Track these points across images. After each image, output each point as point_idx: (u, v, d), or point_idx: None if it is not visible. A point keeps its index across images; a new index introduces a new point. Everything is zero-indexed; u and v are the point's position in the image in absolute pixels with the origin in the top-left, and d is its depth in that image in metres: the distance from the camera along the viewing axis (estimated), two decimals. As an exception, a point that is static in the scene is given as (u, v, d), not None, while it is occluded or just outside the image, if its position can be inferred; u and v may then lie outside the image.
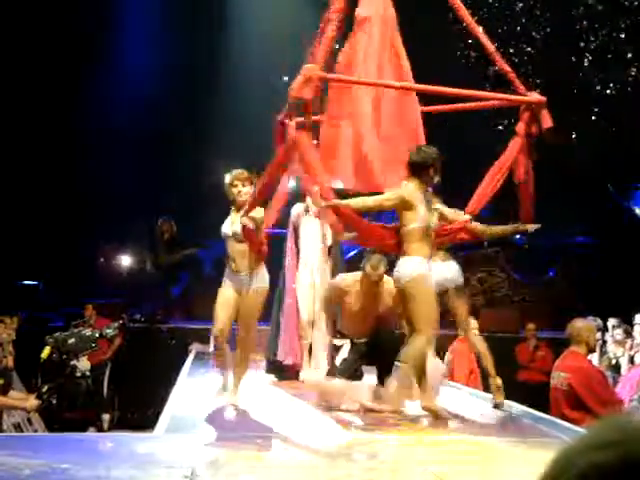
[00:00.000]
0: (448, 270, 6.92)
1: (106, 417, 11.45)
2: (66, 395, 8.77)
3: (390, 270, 6.97)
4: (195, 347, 11.68)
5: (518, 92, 7.01)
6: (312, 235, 7.84)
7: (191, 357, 10.33)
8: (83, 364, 9.24)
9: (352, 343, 7.20)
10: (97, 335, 8.52)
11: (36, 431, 8.69)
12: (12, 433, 7.53)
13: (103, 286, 15.42)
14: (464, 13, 7.08)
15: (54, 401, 7.81)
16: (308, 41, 7.10)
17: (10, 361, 9.69)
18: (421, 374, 6.11)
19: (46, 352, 8.37)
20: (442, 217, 6.50)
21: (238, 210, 6.47)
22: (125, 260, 16.39)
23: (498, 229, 7.16)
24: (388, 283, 7.03)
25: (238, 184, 6.51)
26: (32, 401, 7.64)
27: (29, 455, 4.41)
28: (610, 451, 0.84)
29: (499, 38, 15.87)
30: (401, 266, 6.07)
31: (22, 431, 8.25)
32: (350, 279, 7.17)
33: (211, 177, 17.84)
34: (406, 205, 6.04)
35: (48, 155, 15.65)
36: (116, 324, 9.30)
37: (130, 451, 4.64)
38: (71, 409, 9.15)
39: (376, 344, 6.85)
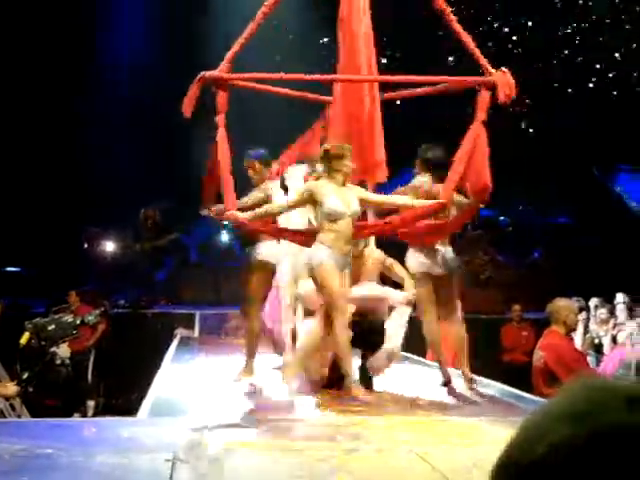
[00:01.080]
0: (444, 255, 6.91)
1: (91, 403, 11.44)
2: (46, 382, 8.74)
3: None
4: (180, 332, 11.68)
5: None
6: (295, 217, 7.76)
7: (176, 342, 10.33)
8: (63, 351, 9.20)
9: None
10: (78, 322, 8.45)
11: (19, 417, 8.65)
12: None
13: (87, 272, 15.38)
14: None
15: (31, 389, 7.77)
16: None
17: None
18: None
19: (25, 338, 8.30)
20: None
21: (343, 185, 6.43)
22: (109, 246, 16.31)
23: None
24: (374, 254, 7.14)
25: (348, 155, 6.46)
26: (12, 387, 7.59)
27: (11, 441, 4.39)
28: (580, 423, 0.83)
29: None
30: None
31: (4, 417, 8.21)
32: None
33: (197, 164, 17.88)
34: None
35: (33, 137, 15.58)
36: (98, 311, 9.24)
37: (113, 436, 4.63)
38: (51, 396, 9.12)
39: (363, 328, 6.80)
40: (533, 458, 0.84)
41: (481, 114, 6.79)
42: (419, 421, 5.31)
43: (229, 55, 7.04)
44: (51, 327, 8.43)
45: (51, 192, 15.58)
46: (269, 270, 6.90)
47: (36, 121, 15.65)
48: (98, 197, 15.79)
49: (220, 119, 6.83)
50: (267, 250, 6.87)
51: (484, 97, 6.81)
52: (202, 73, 6.90)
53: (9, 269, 15.31)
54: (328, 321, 6.21)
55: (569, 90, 18.57)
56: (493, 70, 6.87)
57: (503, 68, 6.88)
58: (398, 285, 7.17)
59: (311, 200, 6.30)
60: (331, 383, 6.65)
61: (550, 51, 18.48)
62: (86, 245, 16.32)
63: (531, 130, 18.42)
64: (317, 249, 6.21)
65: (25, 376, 7.72)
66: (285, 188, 7.06)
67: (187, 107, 6.95)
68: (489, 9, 18.31)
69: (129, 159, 15.82)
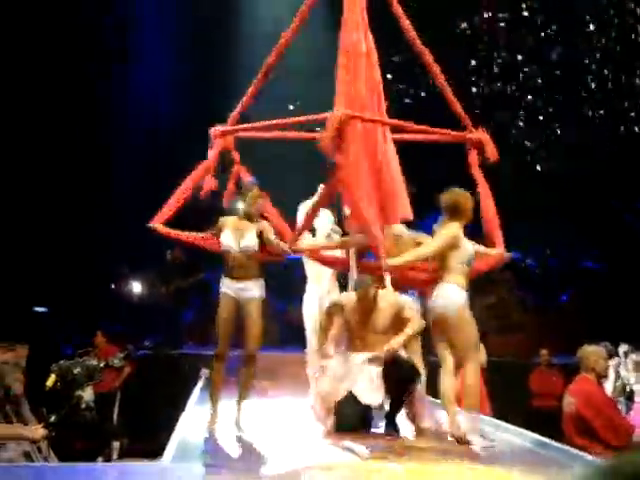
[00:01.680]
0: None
1: (116, 445, 11.40)
2: (71, 426, 8.71)
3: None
4: (206, 373, 11.64)
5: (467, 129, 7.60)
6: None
7: (201, 383, 10.28)
8: (88, 395, 9.18)
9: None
10: (102, 365, 8.46)
11: (46, 459, 8.63)
12: (21, 462, 7.45)
13: (114, 312, 15.43)
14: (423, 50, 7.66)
15: (53, 433, 7.73)
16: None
17: (19, 388, 9.66)
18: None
19: (51, 380, 8.31)
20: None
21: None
22: (136, 286, 16.38)
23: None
24: (387, 297, 7.08)
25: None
26: (40, 430, 7.56)
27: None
28: None
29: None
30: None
31: (32, 460, 8.19)
32: (350, 295, 7.16)
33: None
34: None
35: (61, 177, 15.70)
36: (122, 355, 9.25)
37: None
38: (76, 439, 9.09)
39: (391, 373, 6.73)
40: None
41: (478, 175, 7.44)
42: (446, 470, 5.23)
43: (234, 114, 8.04)
44: (77, 370, 8.43)
45: (78, 232, 15.67)
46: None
47: (66, 166, 15.79)
48: (125, 237, 15.86)
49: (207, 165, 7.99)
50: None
51: (473, 156, 7.25)
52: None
53: (37, 309, 15.37)
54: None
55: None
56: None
57: (481, 129, 7.32)
58: None
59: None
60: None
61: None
62: (113, 286, 16.41)
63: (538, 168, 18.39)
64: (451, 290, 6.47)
65: (52, 419, 7.70)
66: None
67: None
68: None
69: (156, 199, 15.90)
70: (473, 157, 7.52)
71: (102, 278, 16.37)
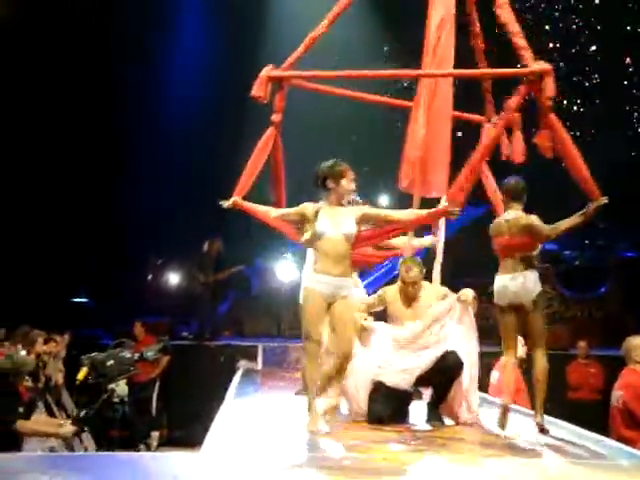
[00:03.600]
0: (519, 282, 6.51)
1: (155, 435, 11.51)
2: (102, 420, 8.72)
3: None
4: (243, 364, 11.71)
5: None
6: None
7: (239, 374, 10.35)
8: (121, 389, 9.13)
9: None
10: (137, 358, 8.45)
11: (86, 449, 8.74)
12: (62, 451, 7.55)
13: (152, 303, 15.55)
14: None
15: (86, 428, 7.77)
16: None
17: (60, 378, 9.79)
18: None
19: (82, 373, 8.27)
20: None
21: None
22: (174, 278, 16.48)
23: (565, 223, 6.46)
24: (432, 288, 7.10)
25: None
26: (68, 427, 7.61)
27: (78, 476, 4.43)
28: None
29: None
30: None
31: (72, 449, 8.29)
32: (394, 287, 7.12)
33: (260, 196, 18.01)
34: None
35: (99, 172, 15.83)
36: (158, 346, 9.22)
37: (175, 473, 4.63)
38: (112, 431, 9.12)
39: (434, 362, 6.70)
40: None
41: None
42: (488, 462, 5.22)
43: (292, 58, 7.29)
44: (109, 363, 8.39)
45: (116, 224, 15.80)
46: None
47: (102, 156, 15.91)
48: (161, 228, 15.96)
49: (275, 118, 6.92)
50: None
51: (524, 89, 6.73)
52: (264, 72, 7.05)
53: (76, 300, 15.53)
54: None
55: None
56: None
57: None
58: None
59: None
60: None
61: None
62: (150, 277, 16.53)
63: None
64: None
65: (82, 414, 7.75)
66: None
67: (258, 90, 7.12)
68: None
69: (193, 189, 16.00)
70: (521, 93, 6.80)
71: (140, 269, 16.50)
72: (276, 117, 6.97)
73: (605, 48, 18.08)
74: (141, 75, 15.90)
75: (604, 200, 6.43)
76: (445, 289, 7.16)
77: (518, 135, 7.31)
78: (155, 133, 15.97)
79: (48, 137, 15.51)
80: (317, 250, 6.17)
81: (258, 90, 6.94)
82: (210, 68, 16.39)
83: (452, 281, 7.88)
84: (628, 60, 18.23)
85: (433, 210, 6.61)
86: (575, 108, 18.21)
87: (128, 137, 16.05)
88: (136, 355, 8.55)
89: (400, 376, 6.70)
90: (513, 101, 6.78)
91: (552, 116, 6.63)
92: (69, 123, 15.66)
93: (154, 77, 16.27)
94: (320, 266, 6.11)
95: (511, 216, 6.47)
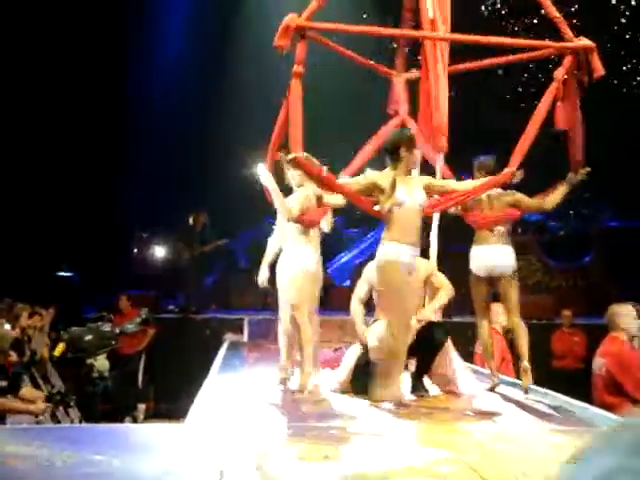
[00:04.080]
0: (500, 254, 6.81)
1: (142, 407, 11.53)
2: (85, 395, 8.67)
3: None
4: (229, 337, 11.73)
5: (564, 39, 6.89)
6: None
7: (225, 347, 10.36)
8: (100, 364, 9.08)
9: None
10: (117, 332, 8.40)
11: (72, 421, 8.75)
12: (48, 424, 7.55)
13: (138, 277, 15.54)
14: None
15: (61, 406, 7.70)
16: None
17: (45, 352, 9.78)
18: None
19: (59, 349, 8.20)
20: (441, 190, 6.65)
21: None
22: (159, 251, 16.46)
23: (555, 196, 6.81)
24: (420, 263, 7.03)
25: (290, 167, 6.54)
26: (39, 405, 7.55)
27: (62, 447, 4.43)
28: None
29: None
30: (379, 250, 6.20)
31: (58, 421, 8.30)
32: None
33: (244, 169, 17.99)
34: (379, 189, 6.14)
35: (83, 144, 15.74)
36: (138, 319, 9.20)
37: (159, 443, 4.64)
38: (89, 412, 9.10)
39: (419, 333, 6.70)
40: None
41: (575, 92, 6.79)
42: (469, 430, 5.25)
43: (311, 8, 6.83)
44: (88, 337, 8.34)
45: (100, 198, 15.74)
46: None
47: (87, 129, 15.82)
48: (146, 202, 15.91)
49: (297, 70, 6.74)
50: None
51: (570, 62, 6.74)
52: (288, 20, 6.75)
53: (61, 274, 15.49)
54: None
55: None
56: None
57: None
58: None
59: None
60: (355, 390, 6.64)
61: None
62: (136, 250, 16.50)
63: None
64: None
65: (55, 392, 7.67)
66: None
67: (280, 39, 6.65)
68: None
69: (177, 162, 15.95)
70: (574, 70, 6.80)
71: (124, 243, 16.46)
72: (298, 68, 6.76)
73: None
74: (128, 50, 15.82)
75: (585, 171, 6.84)
76: (433, 268, 7.13)
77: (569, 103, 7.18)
78: (140, 108, 15.86)
79: (31, 110, 15.39)
80: (396, 220, 6.07)
81: (280, 39, 6.70)
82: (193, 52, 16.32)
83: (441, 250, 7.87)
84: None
85: (493, 178, 6.64)
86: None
87: (113, 111, 15.95)
88: (116, 329, 8.49)
89: None
90: (560, 72, 6.81)
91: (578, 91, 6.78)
92: (51, 97, 15.54)
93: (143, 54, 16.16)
94: (400, 236, 6.04)
95: (492, 191, 6.64)
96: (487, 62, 8.00)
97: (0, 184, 14.93)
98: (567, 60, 6.79)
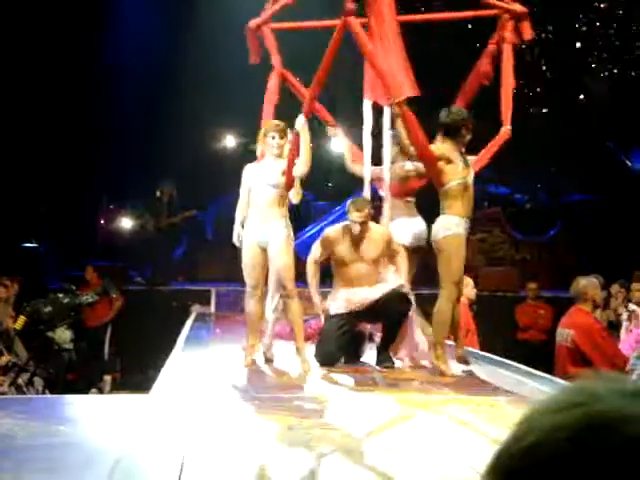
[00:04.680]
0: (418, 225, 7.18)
1: (108, 378, 11.48)
2: (47, 368, 8.60)
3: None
4: (196, 308, 11.71)
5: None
6: None
7: (192, 318, 10.35)
8: (61, 335, 9.02)
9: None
10: (76, 302, 8.33)
11: (37, 392, 8.71)
12: (12, 395, 7.52)
13: (105, 248, 15.45)
14: None
15: (23, 377, 7.66)
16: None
17: (10, 323, 9.71)
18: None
19: (20, 322, 8.13)
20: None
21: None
22: (126, 222, 16.35)
23: (488, 155, 7.11)
24: (378, 229, 7.04)
25: (276, 135, 6.58)
26: None
27: (25, 417, 4.41)
28: (571, 412, 0.79)
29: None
30: (437, 223, 6.45)
31: (23, 392, 8.27)
32: (338, 228, 7.06)
33: (214, 141, 17.89)
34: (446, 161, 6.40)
35: (52, 115, 15.56)
36: (96, 290, 9.11)
37: (125, 414, 4.64)
38: (53, 383, 9.06)
39: (384, 304, 6.70)
40: (515, 454, 0.80)
41: (509, 51, 7.21)
42: (436, 400, 5.30)
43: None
44: (47, 309, 8.26)
45: (66, 168, 15.59)
46: None
47: (52, 98, 15.64)
48: (113, 173, 15.79)
49: (275, 60, 7.17)
50: None
51: (508, 24, 7.21)
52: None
53: (26, 245, 15.35)
54: None
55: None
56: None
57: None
58: None
59: None
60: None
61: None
62: (103, 221, 16.39)
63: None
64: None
65: (13, 362, 7.63)
66: None
67: (253, 55, 7.48)
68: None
69: (143, 134, 15.84)
70: (507, 32, 7.27)
71: (91, 213, 16.34)
72: (275, 60, 7.11)
73: None
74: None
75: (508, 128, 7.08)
76: (390, 234, 7.10)
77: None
78: (109, 78, 15.71)
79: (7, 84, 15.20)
80: (458, 193, 6.35)
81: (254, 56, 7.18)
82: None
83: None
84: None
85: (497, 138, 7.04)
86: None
87: (83, 81, 15.77)
88: (75, 300, 8.40)
89: (345, 303, 6.77)
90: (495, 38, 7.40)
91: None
92: (21, 68, 15.35)
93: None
94: (462, 210, 6.36)
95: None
96: (433, 16, 8.24)
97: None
98: (503, 25, 7.28)
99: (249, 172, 6.74)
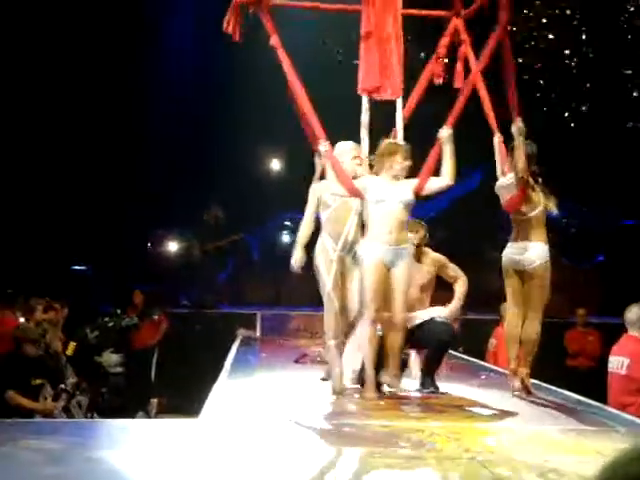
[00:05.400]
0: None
1: (154, 402, 11.54)
2: (94, 391, 8.73)
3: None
4: (242, 332, 11.75)
5: None
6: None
7: (237, 343, 10.38)
8: (107, 359, 9.15)
9: None
10: (120, 325, 8.50)
11: (86, 416, 8.78)
12: (60, 419, 7.58)
13: (152, 272, 15.58)
14: None
15: (73, 401, 7.81)
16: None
17: (59, 346, 9.81)
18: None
19: (71, 348, 8.29)
20: None
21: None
22: (173, 246, 16.49)
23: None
24: (432, 256, 7.01)
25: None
26: (49, 404, 7.68)
27: (74, 441, 4.45)
28: None
29: None
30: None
31: (73, 416, 8.33)
32: None
33: (260, 164, 17.97)
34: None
35: (98, 140, 15.77)
36: (135, 315, 9.26)
37: (172, 440, 4.65)
38: (101, 407, 9.17)
39: (428, 332, 6.68)
40: None
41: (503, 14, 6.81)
42: (483, 429, 5.24)
43: None
44: (94, 334, 8.46)
45: (115, 192, 15.77)
46: None
47: (103, 122, 15.85)
48: (161, 197, 15.94)
49: (274, 40, 6.64)
50: None
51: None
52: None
53: (75, 268, 15.55)
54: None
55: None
56: None
57: None
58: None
59: None
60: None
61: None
62: (150, 245, 16.54)
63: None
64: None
65: (62, 388, 7.77)
66: None
67: (233, 32, 6.90)
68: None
69: (191, 157, 15.97)
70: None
71: (139, 238, 16.50)
72: (274, 39, 6.68)
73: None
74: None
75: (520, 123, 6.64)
76: (445, 260, 7.09)
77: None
78: (154, 105, 15.90)
79: (47, 105, 15.43)
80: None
81: (227, 24, 6.81)
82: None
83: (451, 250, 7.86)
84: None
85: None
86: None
87: (129, 106, 15.98)
88: (119, 323, 8.58)
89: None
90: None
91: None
92: (67, 92, 15.58)
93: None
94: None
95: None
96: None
97: (16, 177, 14.98)
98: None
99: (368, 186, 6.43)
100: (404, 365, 6.96)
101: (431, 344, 6.74)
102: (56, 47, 15.21)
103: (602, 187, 17.06)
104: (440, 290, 7.21)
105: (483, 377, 7.75)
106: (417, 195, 6.40)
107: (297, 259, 6.59)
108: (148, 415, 10.91)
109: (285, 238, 16.38)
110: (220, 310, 14.07)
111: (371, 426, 5.16)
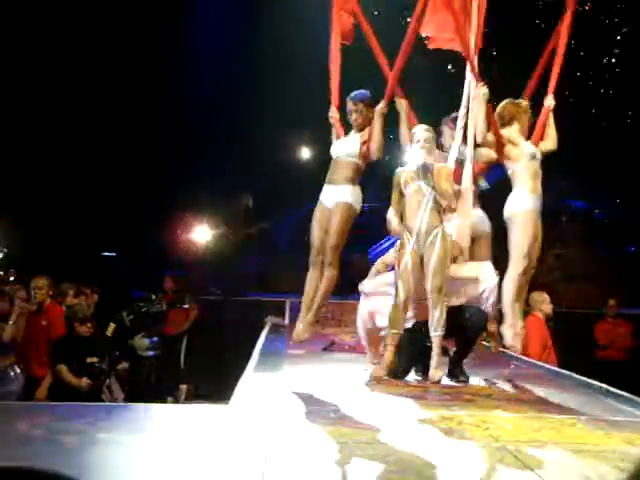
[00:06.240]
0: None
1: (183, 388, 11.61)
2: (128, 374, 8.92)
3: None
4: (270, 320, 11.76)
5: None
6: None
7: (266, 330, 10.39)
8: (138, 343, 9.31)
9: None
10: (151, 311, 8.72)
11: (115, 400, 8.86)
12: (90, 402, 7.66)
13: (181, 259, 15.64)
14: None
15: (102, 383, 8.04)
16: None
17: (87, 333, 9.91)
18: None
19: (111, 329, 8.55)
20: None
21: None
22: (203, 233, 16.54)
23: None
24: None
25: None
26: (84, 381, 7.98)
27: (107, 425, 4.49)
28: None
29: None
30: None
31: (102, 399, 8.41)
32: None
33: (287, 153, 17.97)
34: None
35: (128, 126, 15.85)
36: (166, 301, 9.36)
37: (203, 425, 4.67)
38: (133, 391, 9.32)
39: (460, 317, 6.61)
40: None
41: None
42: (513, 418, 5.21)
43: None
44: (129, 318, 8.65)
45: (146, 179, 15.85)
46: None
47: (131, 111, 15.92)
48: (191, 185, 15.99)
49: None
50: None
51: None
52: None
53: (105, 254, 15.65)
54: None
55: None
56: None
57: None
58: None
59: None
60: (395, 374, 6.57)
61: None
62: (180, 232, 16.60)
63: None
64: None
65: (96, 369, 8.02)
66: None
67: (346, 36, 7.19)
68: None
69: (221, 145, 16.00)
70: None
71: (168, 224, 16.56)
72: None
73: None
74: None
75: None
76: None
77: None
78: (184, 92, 15.92)
79: (77, 97, 15.53)
80: (527, 171, 6.54)
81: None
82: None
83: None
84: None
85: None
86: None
87: (161, 101, 16.03)
88: (153, 308, 8.78)
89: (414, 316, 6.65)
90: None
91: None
92: (97, 86, 15.67)
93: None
94: (532, 186, 6.55)
95: None
96: None
97: (49, 169, 15.09)
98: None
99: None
100: (445, 353, 6.92)
101: (463, 331, 6.68)
102: (96, 45, 15.32)
103: (634, 178, 16.90)
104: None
105: (512, 366, 7.69)
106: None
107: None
108: (177, 401, 10.99)
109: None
110: (249, 297, 14.10)
111: (400, 415, 5.15)
